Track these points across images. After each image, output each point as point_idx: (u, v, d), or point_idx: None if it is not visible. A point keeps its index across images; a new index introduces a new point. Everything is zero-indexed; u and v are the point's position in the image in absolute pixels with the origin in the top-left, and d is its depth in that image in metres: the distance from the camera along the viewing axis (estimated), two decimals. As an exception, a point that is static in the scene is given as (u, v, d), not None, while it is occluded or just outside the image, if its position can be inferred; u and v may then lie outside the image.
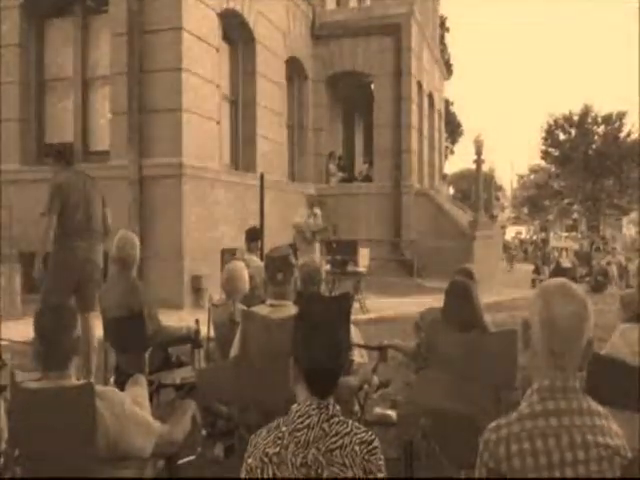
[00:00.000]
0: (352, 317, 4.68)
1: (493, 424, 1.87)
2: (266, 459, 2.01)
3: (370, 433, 2.06)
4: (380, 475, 2.02)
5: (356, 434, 2.03)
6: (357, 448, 2.00)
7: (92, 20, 12.13)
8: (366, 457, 2.00)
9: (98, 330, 4.73)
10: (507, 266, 24.32)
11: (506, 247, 28.30)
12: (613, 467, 1.78)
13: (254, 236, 7.83)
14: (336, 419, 2.06)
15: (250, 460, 2.05)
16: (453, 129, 37.37)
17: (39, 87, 12.25)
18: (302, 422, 2.04)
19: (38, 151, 12.21)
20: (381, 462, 2.03)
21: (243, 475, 2.05)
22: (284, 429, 2.05)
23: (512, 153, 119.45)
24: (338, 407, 2.11)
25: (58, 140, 12.36)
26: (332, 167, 18.34)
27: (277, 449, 2.02)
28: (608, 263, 20.35)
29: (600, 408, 1.87)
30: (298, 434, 2.02)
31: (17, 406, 2.65)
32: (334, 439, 2.01)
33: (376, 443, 2.04)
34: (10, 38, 11.79)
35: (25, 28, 11.96)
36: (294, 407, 2.09)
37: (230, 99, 13.84)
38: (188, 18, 11.11)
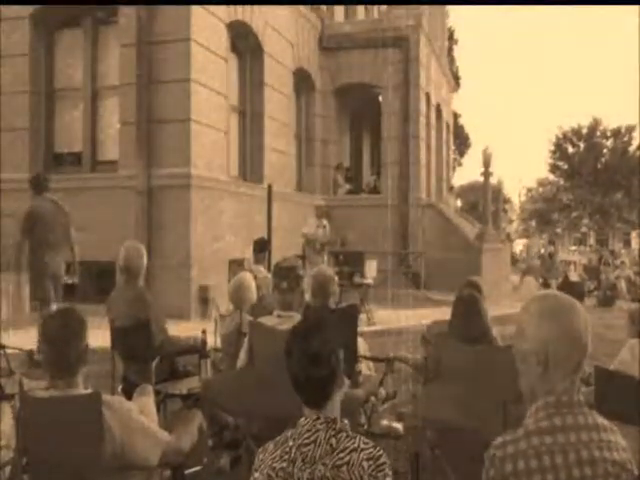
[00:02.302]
0: (359, 329, 4.68)
1: (499, 440, 1.85)
2: (273, 474, 2.00)
3: (378, 449, 2.04)
4: None
5: (363, 450, 2.01)
6: (365, 464, 1.98)
7: (101, 31, 12.20)
8: (373, 473, 1.98)
9: (106, 339, 4.74)
10: (518, 281, 22.13)
11: (514, 260, 28.15)
12: None
13: (261, 247, 7.84)
14: (344, 434, 2.04)
15: (257, 474, 2.04)
16: (461, 141, 37.42)
17: (49, 97, 12.32)
18: (309, 437, 2.03)
19: (47, 160, 12.27)
20: (389, 478, 2.01)
21: None
22: (291, 444, 2.04)
23: (520, 166, 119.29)
24: (346, 421, 2.10)
25: (67, 150, 12.45)
26: (339, 179, 18.36)
27: (284, 464, 2.00)
28: (617, 277, 20.21)
29: (606, 422, 1.86)
30: (305, 449, 2.01)
31: (25, 414, 2.65)
32: (341, 455, 1.99)
33: (384, 459, 2.02)
34: (20, 48, 11.87)
35: (35, 38, 12.05)
36: (301, 421, 2.08)
37: (238, 110, 13.89)
38: (197, 29, 11.18)
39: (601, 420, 1.85)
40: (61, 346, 2.61)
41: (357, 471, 1.97)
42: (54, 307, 7.42)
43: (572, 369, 1.86)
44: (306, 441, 2.02)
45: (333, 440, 2.02)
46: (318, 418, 2.06)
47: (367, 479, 1.97)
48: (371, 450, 2.02)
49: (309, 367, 2.08)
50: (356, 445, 2.02)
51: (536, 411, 1.86)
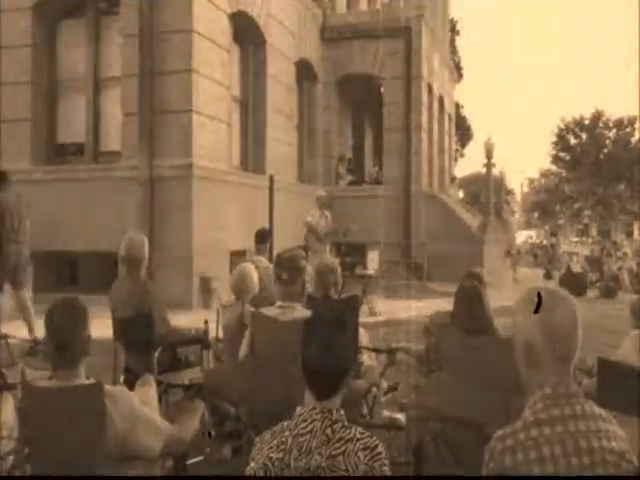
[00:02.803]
0: (361, 320, 4.68)
1: (499, 433, 1.86)
2: (269, 463, 2.00)
3: (374, 439, 2.04)
4: None
5: (359, 440, 2.01)
6: (361, 454, 1.98)
7: (104, 21, 12.17)
8: (369, 463, 1.98)
9: (108, 330, 4.75)
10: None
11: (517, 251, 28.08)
12: (619, 472, 1.77)
13: (263, 238, 7.82)
14: (339, 424, 2.04)
15: (253, 464, 2.04)
16: (463, 132, 37.30)
17: (51, 88, 12.29)
18: (305, 427, 2.03)
19: (49, 151, 12.27)
20: (385, 468, 2.00)
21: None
22: (287, 434, 2.04)
23: (523, 157, 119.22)
24: (342, 412, 2.10)
25: (70, 140, 12.44)
26: (342, 169, 18.33)
27: (280, 454, 2.00)
28: (619, 268, 20.20)
29: (604, 412, 1.87)
30: (301, 439, 2.01)
31: (27, 404, 2.66)
32: (337, 445, 1.99)
33: (380, 449, 2.01)
34: (22, 39, 11.84)
35: (37, 29, 12.01)
36: (298, 410, 2.09)
37: (240, 101, 13.86)
38: (199, 20, 11.15)
39: (599, 410, 1.86)
40: (63, 336, 2.61)
41: (353, 461, 1.97)
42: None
43: (559, 362, 1.86)
44: (302, 431, 2.02)
45: (329, 430, 2.01)
46: (314, 408, 2.06)
47: (363, 469, 1.97)
48: (367, 440, 2.02)
49: (323, 359, 2.09)
50: (352, 435, 2.02)
51: (534, 403, 1.87)
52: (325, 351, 2.09)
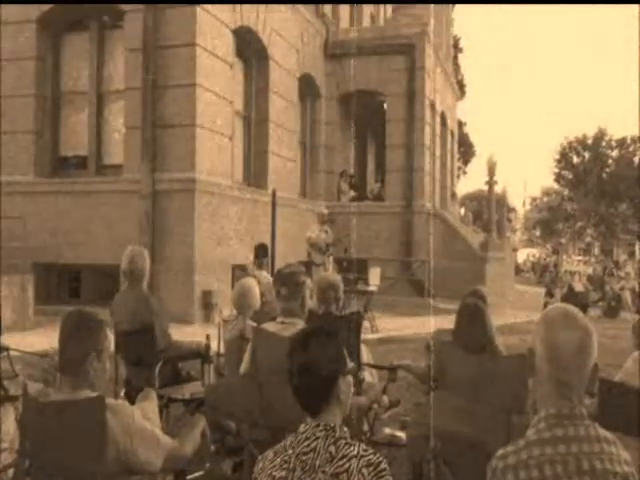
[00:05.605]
0: (362, 336, 4.67)
1: (500, 452, 1.84)
2: None
3: (378, 455, 2.02)
4: None
5: (363, 457, 1.99)
6: (365, 471, 1.96)
7: (107, 35, 12.24)
8: None
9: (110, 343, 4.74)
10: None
11: (518, 269, 28.11)
12: None
13: (262, 252, 7.83)
14: (343, 442, 2.02)
15: None
16: (466, 150, 37.41)
17: (54, 100, 12.34)
18: (308, 445, 2.02)
19: (52, 163, 12.30)
20: None
21: None
22: (290, 452, 2.03)
23: (525, 175, 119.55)
24: (346, 429, 2.09)
25: (72, 153, 12.48)
26: (344, 185, 18.36)
27: (283, 473, 1.99)
28: (621, 288, 20.17)
29: (609, 435, 1.84)
30: (304, 457, 2.00)
31: (28, 417, 2.65)
32: (341, 462, 1.97)
33: (384, 465, 1.99)
34: (27, 51, 11.91)
35: (41, 42, 12.06)
36: (301, 428, 2.08)
37: (243, 115, 13.91)
38: (202, 34, 11.21)
39: (603, 432, 1.84)
40: (64, 346, 2.62)
41: (357, 478, 1.95)
42: None
43: (551, 380, 1.84)
44: (305, 449, 2.01)
45: (332, 448, 2.00)
46: (317, 425, 2.05)
47: None
48: (371, 457, 2.00)
49: (301, 375, 2.10)
50: (355, 452, 2.00)
51: (538, 422, 1.85)
52: (299, 368, 2.10)
